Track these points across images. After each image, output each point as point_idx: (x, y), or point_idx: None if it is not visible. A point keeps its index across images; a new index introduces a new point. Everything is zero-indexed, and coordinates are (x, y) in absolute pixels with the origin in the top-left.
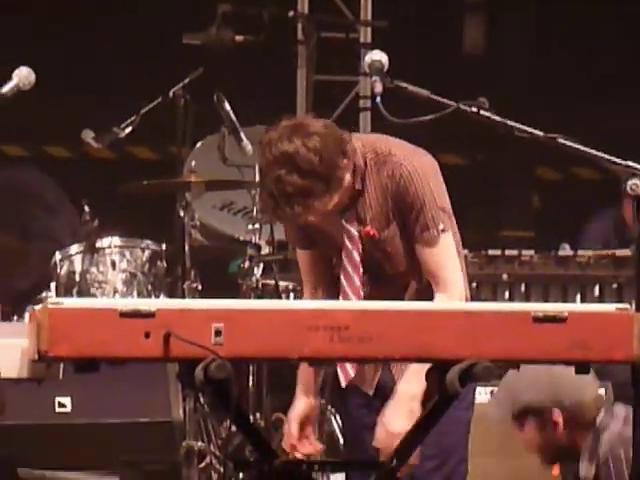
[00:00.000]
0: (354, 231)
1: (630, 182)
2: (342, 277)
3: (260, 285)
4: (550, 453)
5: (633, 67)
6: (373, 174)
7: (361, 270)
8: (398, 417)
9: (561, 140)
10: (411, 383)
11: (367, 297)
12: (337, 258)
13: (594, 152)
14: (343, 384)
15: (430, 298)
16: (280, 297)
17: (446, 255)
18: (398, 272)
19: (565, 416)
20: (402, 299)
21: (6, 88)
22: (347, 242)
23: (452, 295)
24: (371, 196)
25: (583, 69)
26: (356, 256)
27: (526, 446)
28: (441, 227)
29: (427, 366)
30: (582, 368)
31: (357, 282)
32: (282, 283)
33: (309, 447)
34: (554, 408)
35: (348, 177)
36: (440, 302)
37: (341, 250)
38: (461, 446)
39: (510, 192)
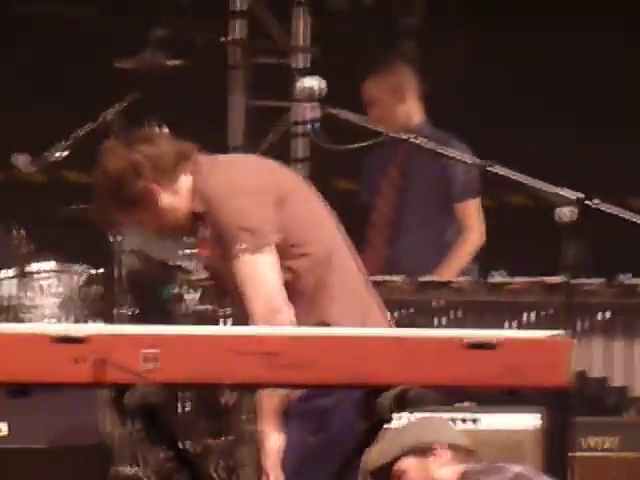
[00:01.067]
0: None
1: (558, 210)
2: None
3: (191, 311)
4: None
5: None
6: None
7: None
8: None
9: (491, 169)
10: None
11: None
12: None
13: (524, 180)
14: None
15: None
16: (215, 323)
17: (248, 275)
18: (236, 291)
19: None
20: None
21: None
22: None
23: (253, 316)
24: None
25: (518, 92)
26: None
27: None
28: (240, 247)
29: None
30: (513, 394)
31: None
32: (215, 309)
33: None
34: (434, 442)
35: (165, 197)
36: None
37: None
38: (295, 474)
39: None
